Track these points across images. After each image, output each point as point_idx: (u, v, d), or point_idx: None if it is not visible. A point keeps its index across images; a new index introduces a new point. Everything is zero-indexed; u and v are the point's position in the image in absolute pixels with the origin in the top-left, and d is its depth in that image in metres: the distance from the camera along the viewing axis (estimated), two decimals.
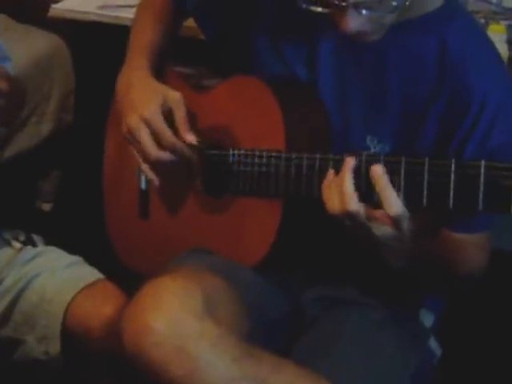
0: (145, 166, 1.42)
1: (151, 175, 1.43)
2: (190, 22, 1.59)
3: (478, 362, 1.90)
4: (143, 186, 1.54)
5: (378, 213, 1.13)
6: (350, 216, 1.13)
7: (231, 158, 1.36)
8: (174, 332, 1.13)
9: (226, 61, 1.48)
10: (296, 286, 1.39)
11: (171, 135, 1.38)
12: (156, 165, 1.41)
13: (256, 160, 1.31)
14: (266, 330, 1.28)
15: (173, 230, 1.50)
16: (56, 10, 2.23)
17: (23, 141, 2.48)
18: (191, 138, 1.39)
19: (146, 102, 1.40)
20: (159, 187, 1.49)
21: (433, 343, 1.41)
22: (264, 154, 1.30)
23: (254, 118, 1.35)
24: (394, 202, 1.11)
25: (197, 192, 1.45)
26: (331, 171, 1.18)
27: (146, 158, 1.40)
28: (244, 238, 1.36)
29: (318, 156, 1.22)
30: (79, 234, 2.15)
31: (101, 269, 1.52)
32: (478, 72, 1.25)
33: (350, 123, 1.32)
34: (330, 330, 1.32)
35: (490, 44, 1.32)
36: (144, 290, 1.19)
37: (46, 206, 2.62)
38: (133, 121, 1.40)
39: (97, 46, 2.34)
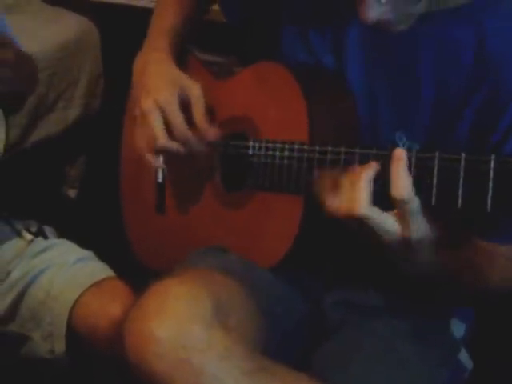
0: (148, 153, 1.34)
1: (156, 162, 1.35)
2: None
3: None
4: (160, 178, 1.46)
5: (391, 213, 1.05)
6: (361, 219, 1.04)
7: (251, 150, 1.27)
8: (179, 342, 1.03)
9: (250, 47, 1.38)
10: (318, 288, 1.29)
11: (185, 127, 1.30)
12: (164, 154, 1.34)
13: (277, 152, 1.22)
14: (281, 341, 1.18)
15: (189, 225, 1.42)
16: None
17: (50, 126, 2.44)
18: (212, 135, 1.31)
19: (163, 88, 1.33)
20: (177, 180, 1.41)
21: (463, 356, 1.30)
22: (286, 146, 1.20)
23: (276, 107, 1.25)
24: (403, 183, 1.02)
25: (214, 186, 1.36)
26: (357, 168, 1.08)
27: (154, 145, 1.32)
28: (263, 235, 1.27)
29: (343, 150, 1.12)
30: (99, 223, 2.08)
31: (114, 263, 1.44)
32: None
33: (378, 117, 1.22)
34: (352, 339, 1.22)
35: None
36: (149, 292, 1.09)
37: (72, 192, 2.56)
38: (147, 104, 1.32)
39: (125, 31, 2.26)
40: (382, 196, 1.03)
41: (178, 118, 1.30)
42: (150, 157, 1.35)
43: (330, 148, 1.14)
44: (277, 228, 1.25)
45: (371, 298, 1.27)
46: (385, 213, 1.04)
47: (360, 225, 1.05)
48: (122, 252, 1.50)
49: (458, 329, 1.31)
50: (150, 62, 1.38)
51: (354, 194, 1.04)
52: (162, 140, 1.31)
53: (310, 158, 1.16)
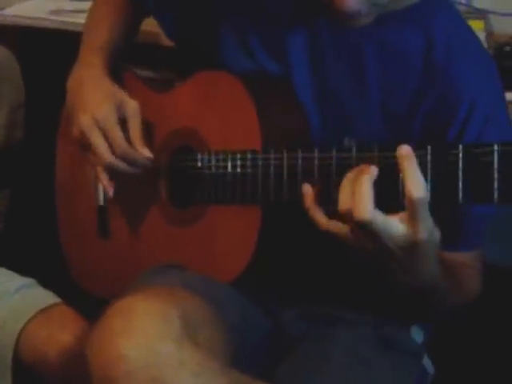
0: (100, 173, 1.29)
1: (107, 184, 1.29)
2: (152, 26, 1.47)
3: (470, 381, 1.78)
4: (101, 201, 1.40)
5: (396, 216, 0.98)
6: (364, 224, 0.97)
7: (200, 163, 1.23)
8: (150, 360, 0.97)
9: (189, 61, 1.35)
10: (277, 304, 1.25)
11: (123, 142, 1.25)
12: (112, 172, 1.28)
13: (229, 162, 1.18)
14: (249, 354, 1.13)
15: (137, 248, 1.36)
16: (3, 16, 2.07)
17: None
18: (146, 152, 1.26)
19: (100, 103, 1.27)
20: (119, 201, 1.35)
21: (426, 361, 1.28)
22: (238, 154, 1.16)
23: (223, 116, 1.21)
24: (420, 182, 0.94)
25: (161, 204, 1.31)
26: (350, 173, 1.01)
27: (100, 164, 1.27)
28: (218, 252, 1.22)
29: (300, 154, 1.09)
30: (33, 255, 1.99)
31: (58, 292, 1.38)
32: (467, 71, 1.14)
33: (327, 122, 1.20)
34: (318, 350, 1.18)
35: (477, 41, 1.21)
36: (111, 311, 1.03)
37: None
38: (85, 121, 1.26)
39: (47, 56, 2.19)
40: (381, 199, 0.97)
41: (117, 135, 1.25)
42: (103, 177, 1.29)
43: (286, 153, 1.10)
44: (232, 243, 1.20)
45: (335, 308, 1.23)
46: (388, 216, 0.97)
47: (353, 235, 0.99)
48: (63, 279, 1.43)
49: (418, 335, 1.29)
50: (85, 79, 1.33)
51: (356, 199, 0.97)
52: (107, 157, 1.25)
53: (265, 164, 1.13)
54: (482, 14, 1.83)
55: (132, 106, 1.28)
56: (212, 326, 1.06)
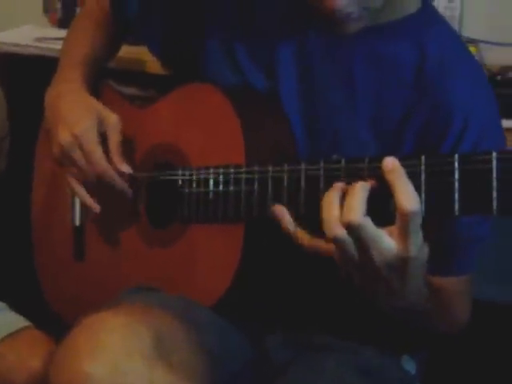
0: (81, 192, 1.23)
1: (90, 202, 1.23)
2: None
3: None
4: (77, 222, 1.34)
5: (386, 229, 0.91)
6: (353, 228, 0.90)
7: (180, 180, 1.17)
8: (116, 380, 0.90)
9: (174, 80, 1.30)
10: (259, 329, 1.18)
11: (101, 159, 1.20)
12: (90, 191, 1.23)
13: (211, 177, 1.11)
14: (229, 382, 1.05)
15: (113, 271, 1.29)
16: None
17: None
18: (125, 168, 1.21)
19: (79, 118, 1.22)
20: (96, 221, 1.29)
21: None
22: (220, 170, 1.10)
23: (205, 130, 1.15)
24: (412, 194, 0.88)
25: (139, 224, 1.25)
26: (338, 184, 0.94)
27: (85, 181, 1.21)
28: (198, 273, 1.15)
29: (286, 168, 1.02)
30: (5, 278, 1.92)
31: (31, 316, 1.31)
32: (460, 83, 1.10)
33: (314, 137, 1.14)
34: (303, 379, 1.10)
35: (470, 54, 1.18)
36: (77, 328, 0.96)
37: None
38: (65, 138, 1.21)
39: (32, 82, 2.15)
40: (371, 213, 0.90)
41: (93, 148, 1.20)
42: (84, 196, 1.24)
43: (271, 167, 1.04)
44: (213, 264, 1.14)
45: (319, 336, 1.17)
46: (379, 229, 0.90)
47: (344, 246, 0.91)
48: (37, 304, 1.35)
49: (410, 366, 1.22)
50: (63, 93, 1.28)
51: (348, 201, 0.90)
52: (87, 172, 1.21)
53: (248, 179, 1.07)
54: (473, 43, 1.81)
55: (112, 121, 1.22)
56: (189, 349, 0.99)
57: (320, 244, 0.95)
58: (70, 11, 2.21)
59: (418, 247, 0.90)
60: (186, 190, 1.15)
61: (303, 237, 0.97)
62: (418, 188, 0.88)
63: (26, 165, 1.48)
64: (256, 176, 1.05)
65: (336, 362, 1.13)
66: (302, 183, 1.00)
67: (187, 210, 1.15)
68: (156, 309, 1.02)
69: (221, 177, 1.10)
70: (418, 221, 0.88)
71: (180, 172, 1.17)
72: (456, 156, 0.87)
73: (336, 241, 0.91)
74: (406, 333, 1.17)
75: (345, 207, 0.90)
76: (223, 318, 1.13)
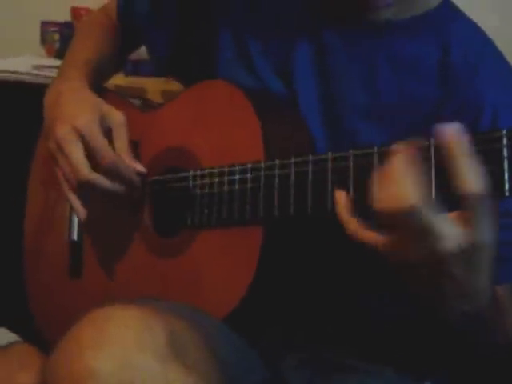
0: (71, 194, 1.12)
1: (77, 205, 1.12)
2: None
3: None
4: (75, 236, 1.23)
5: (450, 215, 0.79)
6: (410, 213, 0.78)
7: (191, 181, 1.08)
8: (126, 376, 0.79)
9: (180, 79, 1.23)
10: (275, 349, 1.07)
11: (110, 152, 1.09)
12: (85, 193, 1.12)
13: (226, 177, 1.02)
14: None
15: (114, 287, 1.19)
16: None
17: None
18: (137, 165, 1.11)
19: (81, 112, 1.12)
20: (94, 233, 1.20)
21: None
22: (237, 167, 1.01)
23: (218, 129, 1.07)
24: (474, 176, 0.77)
25: (144, 233, 1.15)
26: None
27: (75, 180, 1.10)
28: (209, 283, 1.05)
29: (310, 158, 0.94)
30: None
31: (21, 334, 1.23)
32: (487, 77, 1.04)
33: (336, 139, 1.07)
34: None
35: (494, 47, 1.11)
36: (81, 322, 0.86)
37: None
38: (63, 131, 1.10)
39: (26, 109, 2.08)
40: None
41: (100, 141, 1.10)
42: (72, 197, 1.13)
43: (293, 160, 0.95)
44: (225, 274, 1.04)
45: (342, 355, 1.06)
46: (440, 214, 0.79)
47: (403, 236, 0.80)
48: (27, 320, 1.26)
49: None
50: (64, 91, 1.19)
51: (396, 188, 0.79)
52: (84, 172, 1.08)
53: (268, 175, 0.98)
54: None
55: (117, 117, 1.13)
56: (202, 354, 0.88)
57: (372, 235, 0.84)
58: (68, 42, 2.17)
59: (489, 233, 0.79)
60: (198, 192, 1.06)
61: (356, 226, 0.86)
62: (500, 168, 0.78)
63: (21, 182, 1.40)
64: (276, 172, 0.96)
65: None
66: (329, 175, 0.91)
67: (199, 213, 1.06)
68: (167, 312, 0.91)
69: (237, 175, 1.01)
70: (489, 203, 0.78)
71: (191, 173, 1.08)
72: (504, 131, 0.78)
73: (394, 221, 0.80)
74: (428, 356, 1.08)
75: (396, 190, 0.79)
76: (236, 333, 1.02)
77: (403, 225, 0.79)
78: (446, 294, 0.84)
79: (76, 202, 1.12)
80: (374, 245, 0.83)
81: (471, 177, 0.76)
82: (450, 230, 0.79)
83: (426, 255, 0.80)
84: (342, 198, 0.88)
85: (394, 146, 0.81)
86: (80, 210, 1.13)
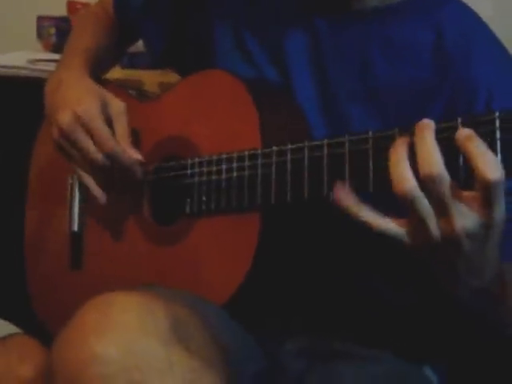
0: (86, 177, 1.14)
1: (93, 185, 1.14)
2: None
3: None
4: (75, 227, 1.24)
5: (465, 193, 0.81)
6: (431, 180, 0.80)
7: (189, 169, 1.09)
8: (131, 360, 0.80)
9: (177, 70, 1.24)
10: (273, 337, 1.08)
11: (111, 138, 1.11)
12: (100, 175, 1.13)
13: (223, 165, 1.04)
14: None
15: (114, 278, 1.19)
16: None
17: None
18: (135, 154, 1.12)
19: (82, 98, 1.14)
20: (95, 224, 1.21)
21: None
22: (235, 154, 1.02)
23: (216, 117, 1.08)
24: (493, 163, 0.79)
25: (143, 222, 1.16)
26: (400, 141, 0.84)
27: (90, 164, 1.12)
28: (208, 270, 1.06)
29: (306, 144, 0.95)
30: None
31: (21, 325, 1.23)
32: (481, 60, 1.05)
33: (333, 125, 1.08)
34: None
35: (487, 28, 1.11)
36: (84, 308, 0.86)
37: None
38: (66, 118, 1.12)
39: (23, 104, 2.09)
40: None
41: (100, 127, 1.11)
42: (89, 181, 1.15)
43: (290, 146, 0.97)
44: (224, 261, 1.05)
45: (340, 342, 1.07)
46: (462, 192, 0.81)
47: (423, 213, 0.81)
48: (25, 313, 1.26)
49: (431, 377, 1.13)
50: (65, 79, 1.21)
51: (424, 154, 0.80)
52: (93, 154, 1.10)
53: (266, 163, 0.99)
54: None
55: (118, 105, 1.14)
56: (204, 339, 0.89)
57: (389, 220, 0.85)
58: (65, 37, 2.17)
59: (501, 214, 0.81)
60: (196, 180, 1.07)
61: (372, 217, 0.85)
62: (493, 150, 0.80)
63: (19, 176, 1.41)
64: (274, 159, 0.98)
65: (355, 371, 1.04)
66: (325, 161, 0.92)
67: (197, 201, 1.07)
68: (169, 297, 0.92)
69: (235, 163, 1.02)
70: (502, 186, 0.79)
71: (189, 161, 1.09)
72: (497, 113, 0.80)
73: (410, 198, 0.81)
74: (427, 340, 1.09)
75: (419, 160, 0.80)
76: (235, 320, 1.03)
77: (432, 192, 0.80)
78: (459, 271, 0.85)
79: (92, 183, 1.14)
80: (393, 229, 0.84)
81: (491, 162, 0.78)
82: (469, 209, 0.81)
83: (444, 232, 0.81)
84: (342, 193, 0.86)
85: (426, 120, 0.82)
86: (97, 190, 1.14)
